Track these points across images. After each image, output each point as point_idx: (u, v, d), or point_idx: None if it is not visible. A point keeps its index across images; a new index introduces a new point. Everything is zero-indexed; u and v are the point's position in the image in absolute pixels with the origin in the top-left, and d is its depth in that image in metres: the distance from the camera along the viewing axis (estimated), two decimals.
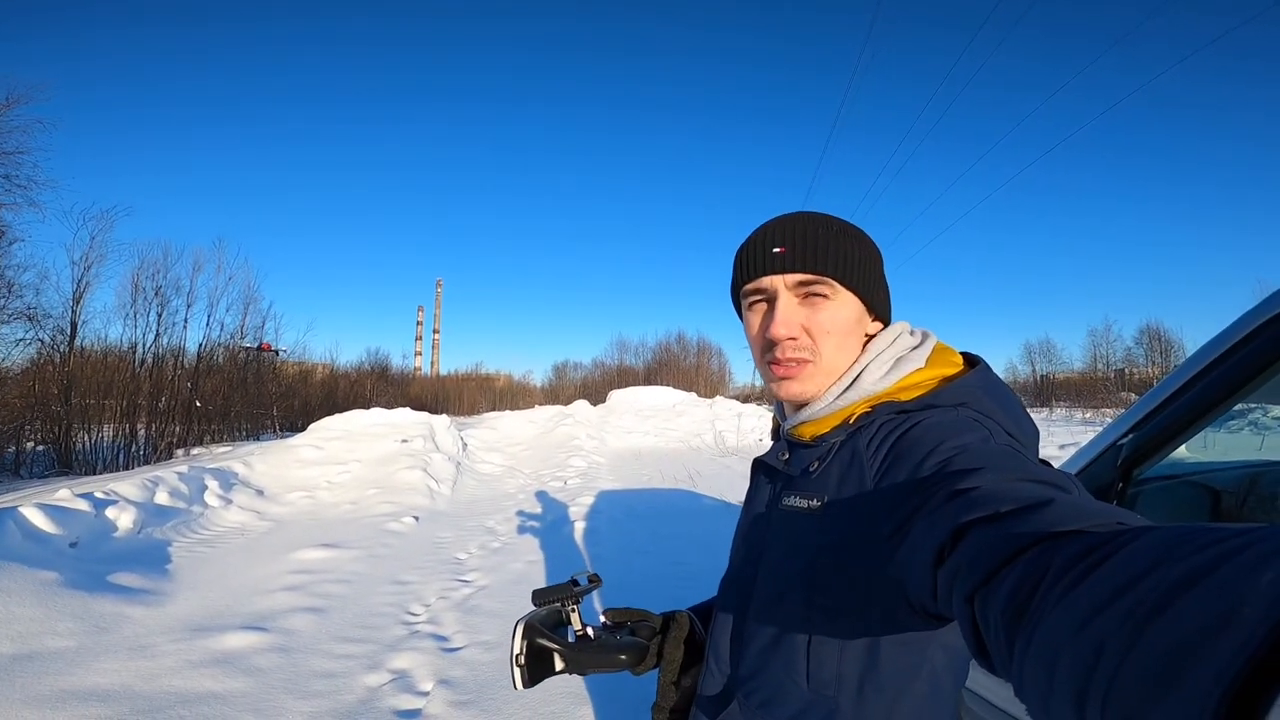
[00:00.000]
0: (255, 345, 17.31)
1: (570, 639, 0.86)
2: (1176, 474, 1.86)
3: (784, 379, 0.72)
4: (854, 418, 0.70)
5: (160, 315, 14.33)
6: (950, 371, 0.71)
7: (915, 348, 0.73)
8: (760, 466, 0.81)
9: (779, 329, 0.71)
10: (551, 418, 13.61)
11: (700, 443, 13.29)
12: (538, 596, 0.89)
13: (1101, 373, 35.90)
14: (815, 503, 0.68)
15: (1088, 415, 23.63)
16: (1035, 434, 0.69)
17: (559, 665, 0.84)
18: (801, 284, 0.71)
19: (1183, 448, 1.58)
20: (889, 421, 0.67)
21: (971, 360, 0.74)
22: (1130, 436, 1.46)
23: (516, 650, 0.82)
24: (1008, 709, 1.40)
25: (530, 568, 4.65)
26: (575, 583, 0.90)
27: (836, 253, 0.71)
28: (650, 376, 34.73)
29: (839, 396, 0.71)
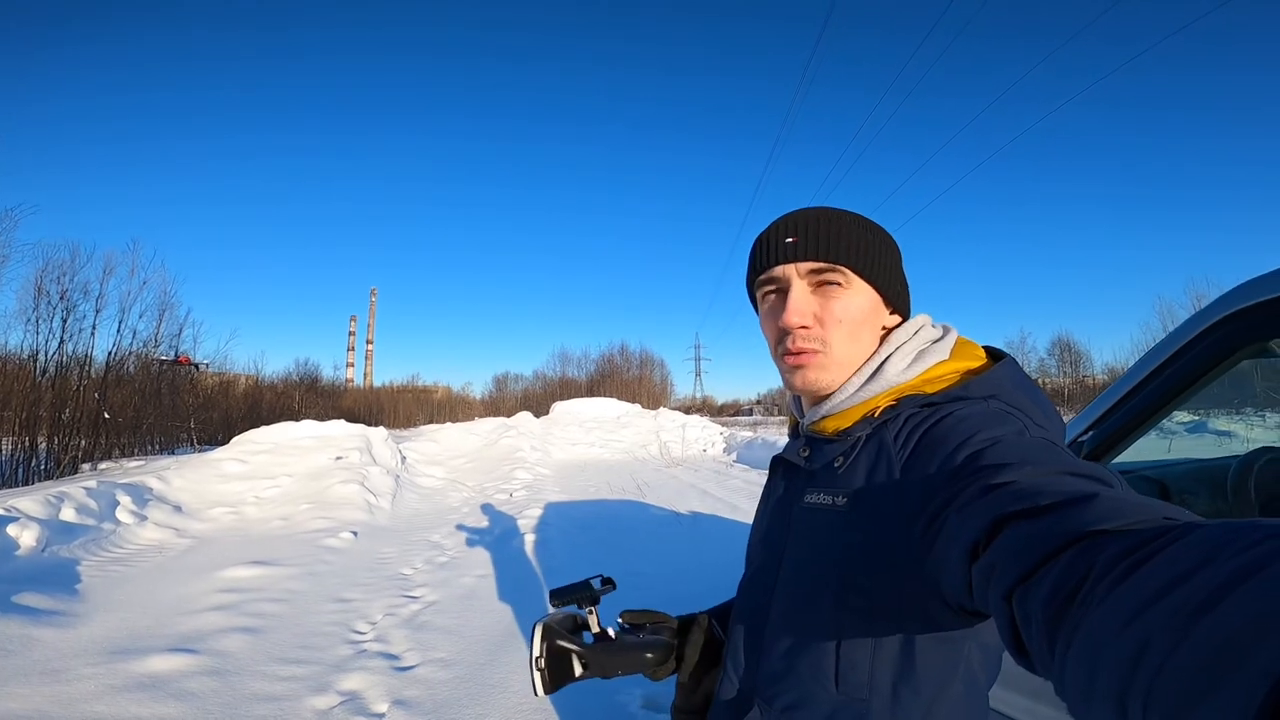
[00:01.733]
0: (171, 358, 16.12)
1: (589, 642, 0.83)
2: (1130, 469, 1.99)
3: (796, 368, 0.71)
4: (878, 411, 0.68)
5: (65, 321, 13.18)
6: (974, 364, 0.69)
7: (938, 340, 0.71)
8: (779, 464, 0.79)
9: (791, 317, 0.70)
10: (494, 430, 13.33)
11: (645, 454, 13.30)
12: (555, 597, 0.85)
13: None
14: (841, 498, 0.66)
15: None
16: (1063, 429, 0.69)
17: (579, 670, 0.80)
18: (814, 272, 0.70)
19: (1134, 446, 1.70)
20: (916, 414, 0.65)
21: (995, 354, 0.73)
22: (1091, 433, 1.55)
23: (536, 653, 0.78)
24: (1021, 718, 1.43)
25: (480, 582, 4.51)
26: (592, 585, 0.87)
27: (850, 241, 0.70)
28: (593, 388, 34.59)
29: (861, 388, 0.69)
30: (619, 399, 19.21)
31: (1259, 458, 1.73)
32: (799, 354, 0.70)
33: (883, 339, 0.73)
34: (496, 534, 6.08)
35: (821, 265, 0.70)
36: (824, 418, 0.72)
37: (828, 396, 0.72)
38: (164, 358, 15.73)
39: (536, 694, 0.77)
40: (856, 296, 0.71)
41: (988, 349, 0.73)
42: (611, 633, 0.85)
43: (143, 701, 2.53)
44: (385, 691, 2.77)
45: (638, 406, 17.70)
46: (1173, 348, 1.40)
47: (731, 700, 0.75)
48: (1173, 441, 2.59)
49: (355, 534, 6.04)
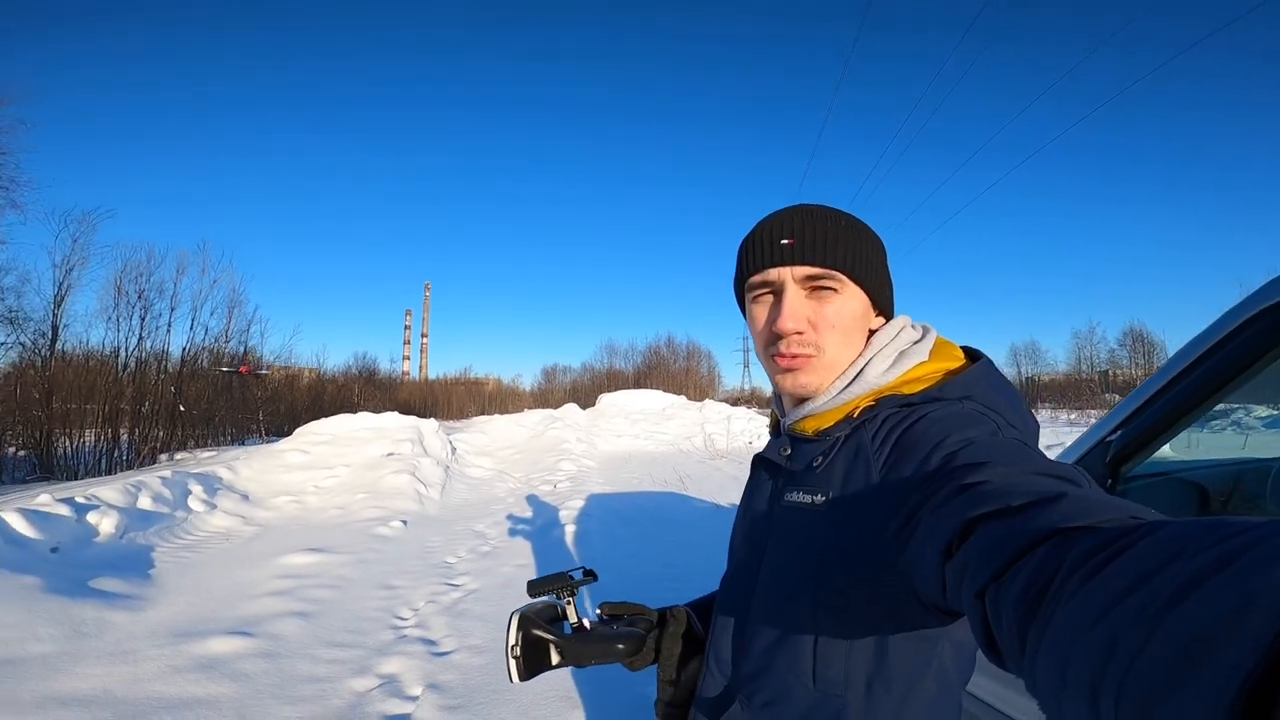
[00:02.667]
0: (234, 369, 16.98)
1: (567, 632, 0.85)
2: (1165, 471, 1.88)
3: (788, 371, 0.71)
4: (858, 411, 0.69)
5: (143, 319, 14.18)
6: (953, 365, 0.70)
7: (917, 342, 0.72)
8: (761, 462, 0.79)
9: (786, 322, 0.69)
10: (541, 421, 13.56)
11: (690, 446, 13.29)
12: (533, 587, 0.88)
13: (1085, 375, 36.44)
14: (820, 498, 0.67)
15: (1073, 416, 23.97)
16: (1036, 429, 0.69)
17: (555, 659, 0.82)
18: (810, 278, 0.70)
19: (1167, 447, 1.60)
20: (894, 415, 0.66)
21: (973, 355, 0.73)
22: (1119, 433, 1.47)
23: (512, 642, 0.80)
24: (1006, 710, 1.40)
25: (520, 571, 4.62)
26: (570, 576, 0.88)
27: (846, 247, 0.70)
28: (640, 380, 34.76)
29: (843, 390, 0.70)
30: (665, 391, 19.23)
31: None
32: (793, 358, 0.70)
33: (868, 340, 0.74)
34: (539, 525, 6.21)
35: (819, 271, 0.70)
36: (805, 418, 0.72)
37: (810, 397, 0.73)
38: (226, 368, 16.53)
39: (512, 680, 0.80)
40: (850, 302, 0.71)
41: (966, 349, 0.74)
42: (587, 623, 0.86)
43: (200, 681, 2.73)
44: (421, 675, 2.89)
45: (683, 398, 17.67)
46: (1208, 343, 1.33)
47: (714, 696, 0.76)
48: (1249, 438, 2.43)
49: (405, 523, 6.28)
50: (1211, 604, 0.24)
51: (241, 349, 17.95)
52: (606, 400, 16.52)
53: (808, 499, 0.68)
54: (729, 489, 8.25)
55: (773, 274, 0.71)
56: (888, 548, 0.57)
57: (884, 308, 0.76)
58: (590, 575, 0.91)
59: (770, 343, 0.72)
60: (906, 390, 0.68)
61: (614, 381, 35.11)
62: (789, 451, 0.74)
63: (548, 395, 37.51)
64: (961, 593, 0.42)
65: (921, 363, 0.70)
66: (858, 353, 0.72)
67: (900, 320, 0.75)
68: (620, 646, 0.83)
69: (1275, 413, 2.59)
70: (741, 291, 0.77)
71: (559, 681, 2.76)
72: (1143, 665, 0.25)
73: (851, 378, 0.70)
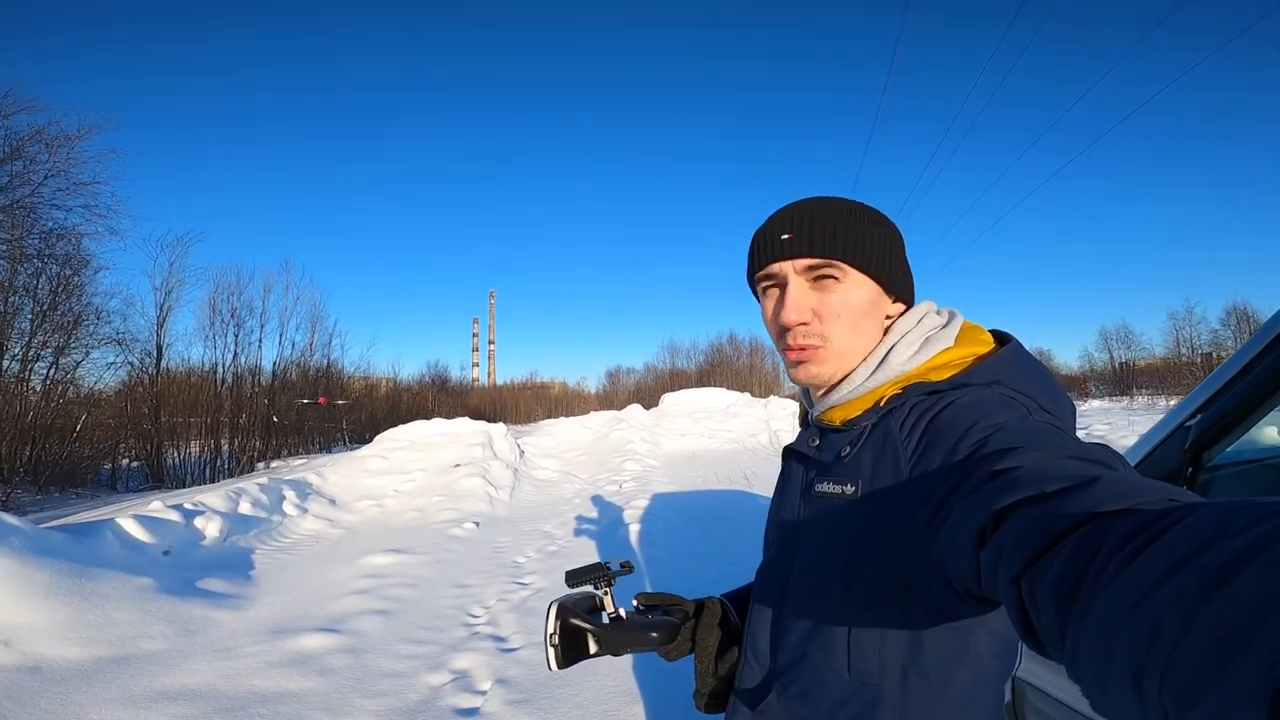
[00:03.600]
0: (312, 400, 17.78)
1: (604, 621, 0.87)
2: (1255, 458, 1.72)
3: (798, 363, 0.73)
4: (884, 400, 0.68)
5: (237, 336, 15.30)
6: (981, 350, 0.69)
7: (943, 327, 0.71)
8: (791, 454, 0.80)
9: (789, 314, 0.71)
10: (606, 423, 13.74)
11: (755, 443, 13.14)
12: (571, 577, 0.90)
13: (1186, 358, 33.60)
14: (850, 488, 0.67)
15: (1173, 403, 22.13)
16: (1072, 410, 0.68)
17: (593, 647, 0.85)
18: (810, 268, 0.71)
19: (1258, 431, 1.48)
20: (921, 402, 0.66)
21: (1002, 338, 0.72)
22: (1198, 417, 1.36)
23: (550, 630, 0.83)
24: (1062, 698, 1.34)
25: None
26: (608, 567, 0.91)
27: (844, 235, 0.71)
28: (703, 378, 34.57)
29: (867, 378, 0.70)
30: (728, 388, 19.08)
31: None
32: (800, 350, 0.72)
33: (888, 328, 0.74)
34: (604, 524, 6.31)
35: (817, 261, 0.71)
36: (832, 408, 0.73)
37: (836, 387, 0.73)
38: (305, 401, 17.32)
39: (550, 668, 0.83)
40: (854, 290, 0.71)
41: (995, 333, 0.73)
42: (624, 613, 0.88)
43: (292, 676, 2.94)
44: (490, 671, 3.02)
45: (747, 395, 17.48)
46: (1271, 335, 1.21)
47: (751, 686, 0.78)
48: None
49: (477, 524, 6.52)
50: (1252, 587, 0.24)
51: (325, 361, 19.06)
52: (670, 400, 16.55)
53: (837, 489, 0.68)
54: None
55: (775, 268, 0.73)
56: (919, 536, 0.57)
57: (901, 294, 0.75)
58: (627, 567, 0.93)
59: (779, 336, 0.74)
60: (933, 377, 0.67)
61: (677, 381, 35.13)
62: (817, 442, 0.74)
63: (612, 397, 37.92)
64: (997, 580, 0.42)
65: (947, 348, 0.69)
66: (872, 341, 0.72)
67: (924, 306, 0.74)
68: (654, 635, 0.85)
69: None
70: (755, 287, 0.79)
71: (621, 677, 2.82)
72: (1185, 651, 0.25)
73: (875, 365, 0.70)
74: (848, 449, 0.69)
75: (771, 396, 18.05)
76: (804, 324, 0.71)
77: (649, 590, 0.95)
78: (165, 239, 14.65)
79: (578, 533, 6.07)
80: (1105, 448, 0.50)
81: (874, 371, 0.70)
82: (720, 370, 37.78)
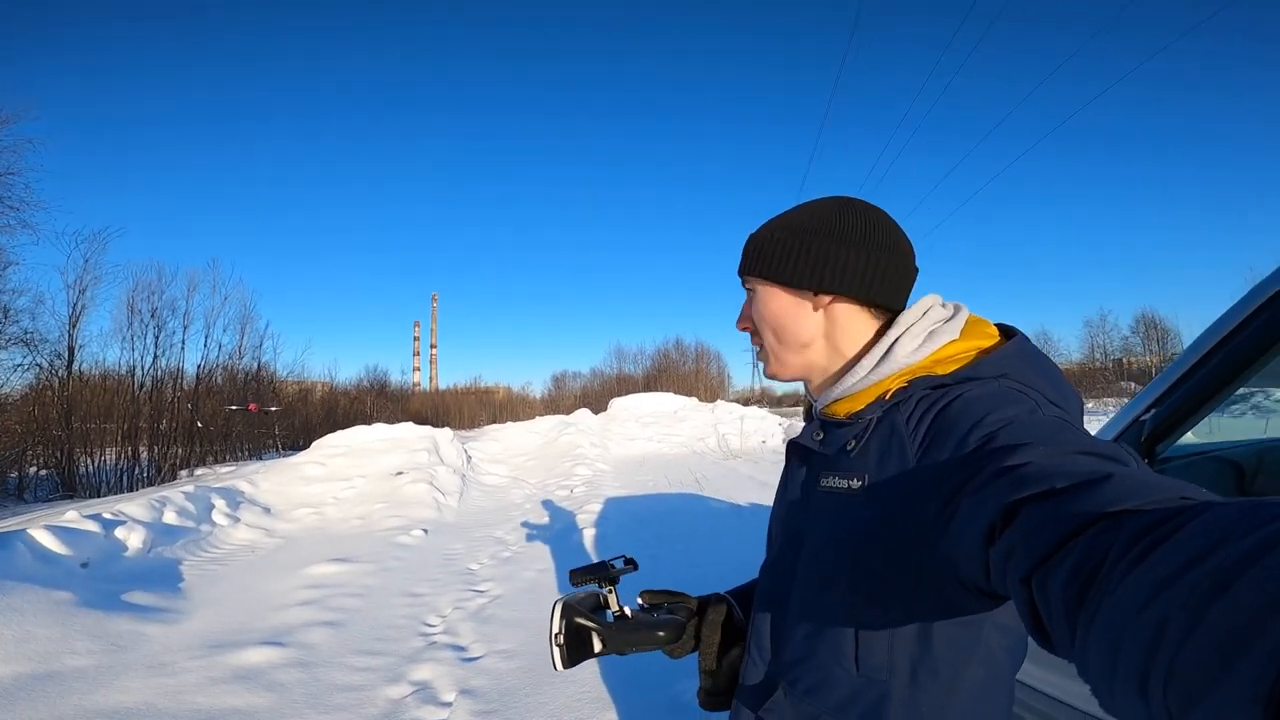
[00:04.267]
0: (242, 406, 16.98)
1: (609, 620, 0.85)
2: (1200, 451, 1.86)
3: (760, 364, 0.81)
4: (890, 393, 0.68)
5: (157, 337, 14.33)
6: (987, 343, 0.69)
7: (948, 320, 0.70)
8: (795, 448, 0.79)
9: (737, 324, 0.83)
10: (554, 427, 13.60)
11: (704, 447, 13.28)
12: (575, 577, 0.89)
13: (1100, 363, 36.20)
14: (856, 483, 0.66)
15: (1089, 405, 23.84)
16: (1080, 404, 0.68)
17: (598, 646, 0.83)
18: (744, 284, 0.81)
19: (1191, 432, 1.59)
20: (928, 396, 0.65)
21: (1008, 331, 0.72)
22: (1152, 412, 1.46)
23: (555, 630, 0.82)
24: (1059, 696, 1.40)
25: (542, 576, 4.65)
26: (612, 565, 0.89)
27: (756, 250, 0.77)
28: (650, 383, 34.77)
29: (871, 371, 0.69)
30: (676, 393, 19.22)
31: None
32: (758, 352, 0.82)
33: (885, 327, 0.74)
34: (557, 529, 6.23)
35: (743, 280, 0.81)
36: (835, 401, 0.73)
37: (839, 380, 0.73)
38: (234, 407, 16.45)
39: (555, 668, 0.81)
40: (764, 298, 0.78)
41: (1001, 326, 0.73)
42: (629, 612, 0.87)
43: (238, 692, 2.76)
44: (453, 681, 2.91)
45: (695, 400, 17.65)
46: (1239, 317, 1.32)
47: (756, 684, 0.77)
48: (1269, 421, 2.41)
49: (425, 531, 6.32)
50: (1255, 590, 0.24)
51: (255, 364, 18.09)
52: (618, 404, 16.53)
53: (843, 483, 0.67)
54: (746, 488, 8.24)
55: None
56: (927, 531, 0.56)
57: (840, 290, 0.72)
58: (631, 564, 0.92)
59: None
60: (939, 370, 0.67)
61: (624, 386, 35.14)
62: (821, 436, 0.74)
63: (558, 402, 37.53)
64: (1007, 577, 0.42)
65: (952, 341, 0.68)
66: (809, 341, 0.75)
67: (928, 299, 0.74)
68: (661, 634, 0.84)
69: None
70: None
71: (591, 684, 2.78)
72: (1190, 652, 0.25)
73: (879, 357, 0.69)
74: (853, 443, 0.68)
75: (718, 401, 18.30)
76: (746, 330, 0.81)
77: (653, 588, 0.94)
78: (81, 234, 13.56)
79: (531, 538, 5.97)
80: (1116, 443, 0.50)
81: (878, 364, 0.69)
82: (667, 375, 38.11)
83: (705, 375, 40.32)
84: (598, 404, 20.54)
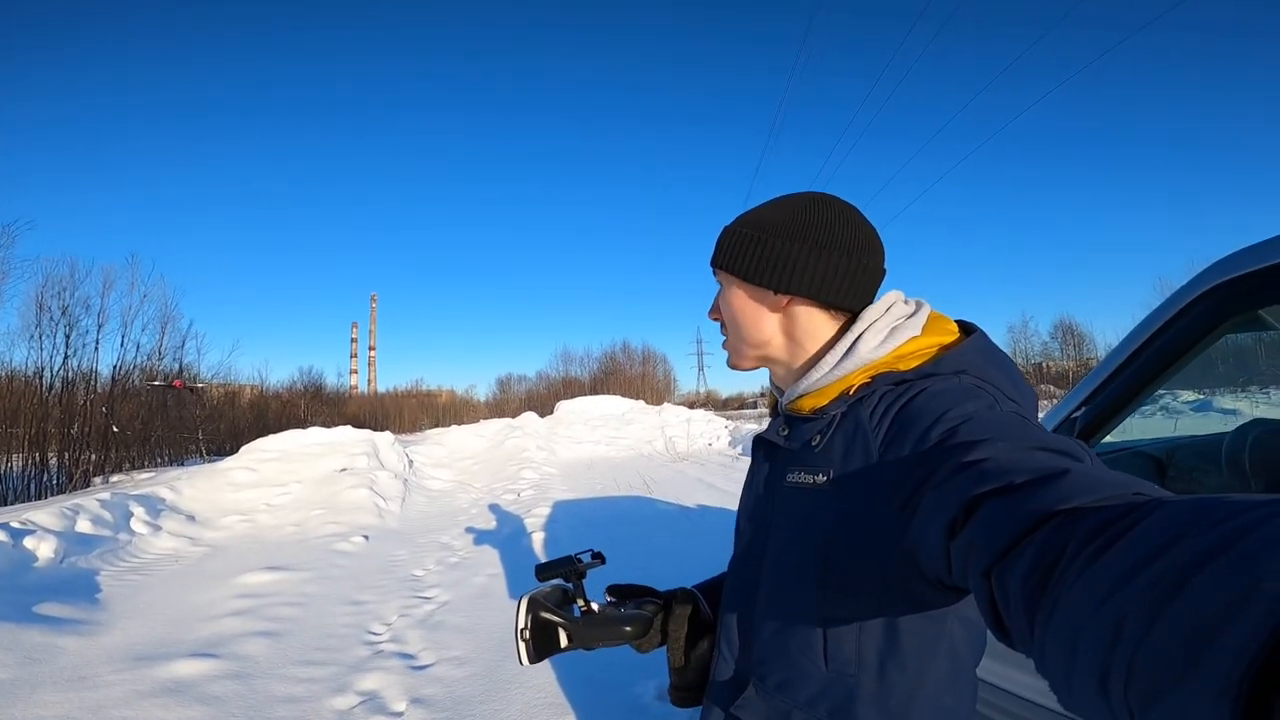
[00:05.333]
0: (166, 383, 15.98)
1: (575, 615, 0.85)
2: (1125, 447, 2.00)
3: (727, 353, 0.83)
4: (854, 389, 0.69)
5: (69, 336, 13.26)
6: (948, 339, 0.70)
7: (910, 316, 0.71)
8: (760, 444, 0.80)
9: (709, 313, 0.84)
10: (500, 431, 13.39)
11: (651, 449, 13.34)
12: (541, 572, 0.88)
13: (1021, 367, 38.36)
14: (821, 478, 0.67)
15: None
16: (1034, 399, 0.70)
17: (564, 641, 0.82)
18: (715, 274, 0.82)
19: (1112, 433, 1.71)
20: (891, 391, 0.66)
21: (967, 328, 0.73)
22: (1083, 409, 1.57)
23: (521, 625, 0.81)
24: (1015, 691, 1.45)
25: (492, 581, 4.56)
26: (579, 559, 0.89)
27: (726, 245, 0.79)
28: (597, 387, 34.67)
29: (835, 367, 0.70)
30: (623, 396, 19.24)
31: (1251, 430, 1.75)
32: (723, 342, 0.83)
33: (851, 320, 0.74)
34: (505, 533, 6.14)
35: (713, 269, 0.82)
36: (800, 396, 0.73)
37: (804, 375, 0.73)
38: (158, 383, 15.57)
39: (522, 663, 0.80)
40: (727, 293, 0.80)
41: (960, 323, 0.74)
42: (595, 606, 0.86)
43: (169, 706, 2.59)
44: (403, 690, 2.82)
45: (642, 403, 17.73)
46: (1160, 321, 1.40)
47: (726, 680, 0.77)
48: (1178, 421, 2.61)
49: (366, 538, 6.10)
50: (1214, 588, 0.25)
51: (177, 366, 17.02)
52: (565, 407, 16.42)
53: (808, 478, 0.68)
54: (694, 490, 8.32)
55: None
56: (891, 525, 0.57)
57: (797, 291, 0.73)
58: (599, 558, 0.92)
59: None
60: (901, 366, 0.68)
61: (570, 389, 34.93)
62: (786, 431, 0.74)
63: (503, 405, 36.96)
64: (968, 571, 0.43)
65: (914, 337, 0.69)
66: (770, 336, 0.77)
67: (891, 295, 0.75)
68: (628, 629, 0.84)
69: (1201, 397, 2.81)
70: None
71: (548, 689, 2.74)
72: (1149, 650, 0.26)
73: (842, 353, 0.70)
74: (818, 438, 0.69)
75: (665, 404, 18.42)
76: (718, 321, 0.83)
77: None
78: None
79: (479, 543, 5.85)
80: (1070, 439, 0.51)
81: (841, 359, 0.70)
82: (614, 378, 38.09)
83: (652, 378, 40.56)
84: (544, 407, 20.34)
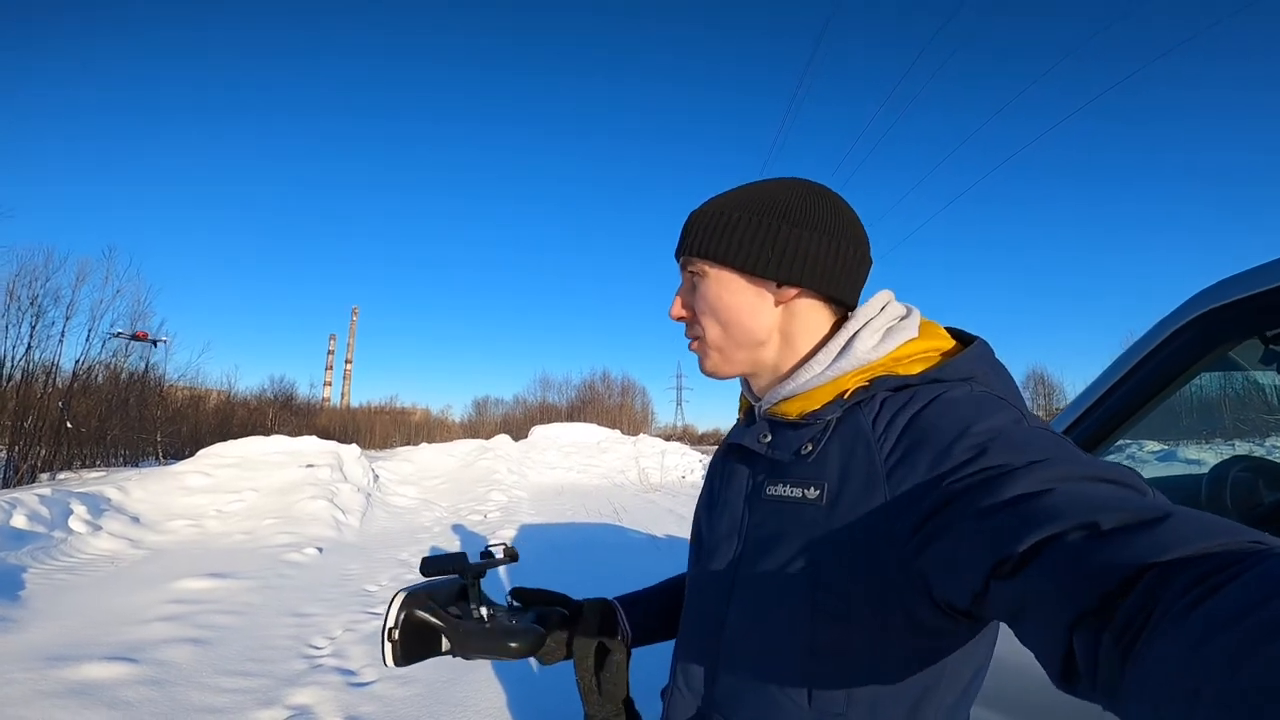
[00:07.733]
0: (130, 333, 15.33)
1: (458, 618, 0.74)
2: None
3: (696, 356, 0.71)
4: (849, 392, 0.61)
5: (34, 327, 12.86)
6: (945, 345, 0.64)
7: (904, 318, 0.65)
8: (732, 451, 0.70)
9: (671, 311, 0.72)
10: (471, 451, 13.11)
11: (624, 479, 13.16)
12: (427, 566, 0.76)
13: None
14: (813, 491, 0.58)
15: None
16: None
17: (445, 645, 0.73)
18: (684, 266, 0.70)
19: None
20: (895, 397, 0.59)
21: (961, 336, 0.67)
22: (1069, 436, 1.53)
23: (390, 623, 0.71)
24: None
25: None
26: (487, 554, 0.78)
27: (708, 228, 0.67)
28: (574, 414, 34.43)
29: (828, 367, 0.63)
30: (600, 425, 19.07)
31: (1232, 467, 1.72)
32: (692, 344, 0.71)
33: (841, 319, 0.68)
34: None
35: (685, 260, 0.70)
36: (786, 399, 0.65)
37: (791, 375, 0.66)
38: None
39: (386, 664, 0.70)
40: (714, 285, 0.68)
41: (951, 330, 0.68)
42: (487, 612, 0.75)
43: (71, 708, 2.37)
44: (338, 706, 2.62)
45: (618, 432, 17.56)
46: (1135, 359, 1.38)
47: (685, 719, 0.67)
48: (1144, 470, 2.59)
49: (320, 550, 5.85)
50: None
51: (143, 366, 16.56)
52: (539, 432, 16.20)
53: (797, 492, 0.60)
54: (664, 521, 8.16)
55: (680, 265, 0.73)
56: (900, 545, 0.51)
57: (808, 283, 0.65)
58: (510, 555, 0.79)
59: None
60: (900, 370, 0.61)
61: (547, 415, 34.60)
62: (769, 438, 0.65)
63: (479, 427, 36.42)
64: (1027, 616, 0.39)
65: (912, 339, 0.63)
66: (765, 334, 0.67)
67: (883, 295, 0.68)
68: (513, 645, 0.72)
69: (1165, 447, 2.81)
70: None
71: (495, 712, 2.57)
72: (1224, 702, 0.25)
73: (836, 352, 0.63)
74: (809, 446, 0.61)
75: (641, 435, 18.27)
76: (682, 319, 0.71)
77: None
78: None
79: None
80: (1127, 468, 0.46)
81: (835, 359, 0.63)
82: (592, 407, 37.88)
83: (630, 409, 40.38)
84: (520, 431, 20.06)
